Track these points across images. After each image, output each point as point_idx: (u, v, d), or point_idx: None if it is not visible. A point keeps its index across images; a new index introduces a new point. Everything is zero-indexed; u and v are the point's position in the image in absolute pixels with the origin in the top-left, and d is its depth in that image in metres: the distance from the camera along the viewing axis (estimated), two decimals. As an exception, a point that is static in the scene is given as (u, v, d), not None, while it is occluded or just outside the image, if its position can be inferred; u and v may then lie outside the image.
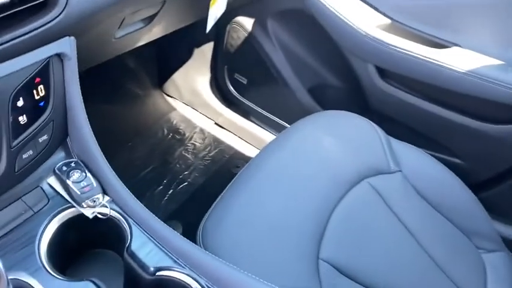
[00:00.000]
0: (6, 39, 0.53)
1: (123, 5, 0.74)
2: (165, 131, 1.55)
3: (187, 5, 1.06)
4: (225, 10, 1.01)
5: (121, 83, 1.52)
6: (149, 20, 0.99)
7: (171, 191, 1.34)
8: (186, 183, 1.37)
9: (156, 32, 1.08)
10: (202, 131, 1.55)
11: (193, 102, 1.58)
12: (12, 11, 0.53)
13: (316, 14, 1.04)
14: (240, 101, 1.44)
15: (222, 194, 0.81)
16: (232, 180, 0.84)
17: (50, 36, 0.60)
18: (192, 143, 1.51)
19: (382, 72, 1.06)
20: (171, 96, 1.63)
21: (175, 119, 1.59)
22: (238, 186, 0.81)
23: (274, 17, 1.17)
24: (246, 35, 1.23)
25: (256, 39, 1.22)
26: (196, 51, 1.46)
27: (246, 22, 1.22)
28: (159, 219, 0.59)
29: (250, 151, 1.48)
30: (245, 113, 1.47)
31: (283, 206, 0.79)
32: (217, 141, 1.52)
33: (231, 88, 1.44)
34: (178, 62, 1.52)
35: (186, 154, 1.48)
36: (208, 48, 1.43)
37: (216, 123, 1.55)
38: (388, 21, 1.01)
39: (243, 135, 1.49)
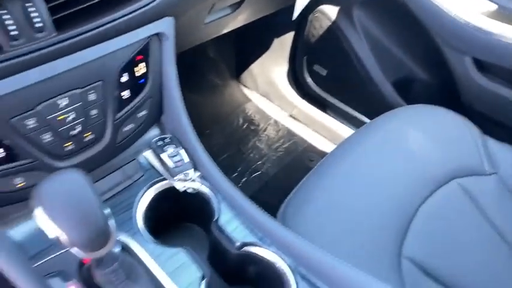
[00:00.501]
0: (114, 17, 0.57)
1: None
2: (240, 121, 1.58)
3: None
4: (312, -2, 1.00)
5: (202, 72, 1.57)
6: (237, 6, 1.01)
7: (245, 179, 1.36)
8: (259, 172, 1.38)
9: (241, 18, 1.10)
10: (276, 122, 1.55)
11: (269, 94, 1.59)
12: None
13: (408, 0, 0.98)
14: (317, 94, 1.41)
15: (301, 182, 0.80)
16: (313, 170, 0.82)
17: (150, 17, 0.63)
18: (266, 134, 1.52)
19: (481, 65, 0.97)
20: (247, 87, 1.65)
21: (250, 110, 1.61)
22: (320, 176, 0.79)
23: (360, 5, 1.13)
24: (330, 24, 1.20)
25: (340, 29, 1.18)
26: (275, 42, 1.46)
27: (330, 11, 1.19)
28: (246, 197, 0.60)
29: (324, 145, 1.45)
30: (322, 105, 1.44)
31: (366, 200, 0.76)
32: (291, 134, 1.51)
33: (309, 80, 1.42)
34: (255, 53, 1.54)
35: (260, 144, 1.49)
36: (287, 38, 1.42)
37: (290, 115, 1.55)
38: (494, 6, 0.91)
39: (318, 128, 1.46)
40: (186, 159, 0.65)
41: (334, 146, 0.88)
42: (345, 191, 0.76)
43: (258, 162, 1.43)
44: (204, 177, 0.64)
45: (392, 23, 1.11)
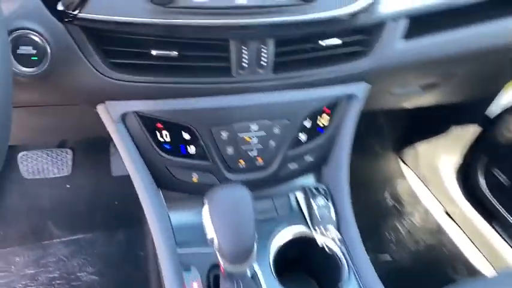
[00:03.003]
0: (321, 72, 0.63)
1: (424, 69, 0.77)
2: (387, 195, 1.49)
3: (476, 82, 1.00)
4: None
5: (364, 134, 1.57)
6: (430, 87, 0.99)
7: (373, 255, 1.28)
8: (389, 256, 1.28)
9: (430, 99, 1.07)
10: (427, 213, 1.42)
11: (428, 179, 1.47)
12: (338, 52, 0.63)
13: None
14: (488, 200, 1.24)
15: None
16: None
17: (351, 78, 0.68)
18: (411, 221, 1.40)
19: None
20: (406, 164, 1.57)
21: (402, 188, 1.51)
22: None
23: None
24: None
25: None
26: (453, 127, 1.35)
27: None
28: (378, 279, 0.57)
29: (479, 262, 1.23)
30: (489, 215, 1.26)
31: None
32: (440, 232, 1.35)
33: (482, 182, 1.26)
34: (425, 132, 1.44)
35: (400, 228, 1.38)
36: (468, 128, 1.30)
37: (446, 212, 1.39)
38: None
39: (476, 239, 1.27)
40: (333, 216, 0.66)
41: (492, 269, 0.76)
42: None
43: (392, 245, 1.33)
44: (344, 240, 0.64)
45: None
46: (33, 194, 1.28)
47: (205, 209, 0.47)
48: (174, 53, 0.55)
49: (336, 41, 0.62)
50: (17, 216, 1.25)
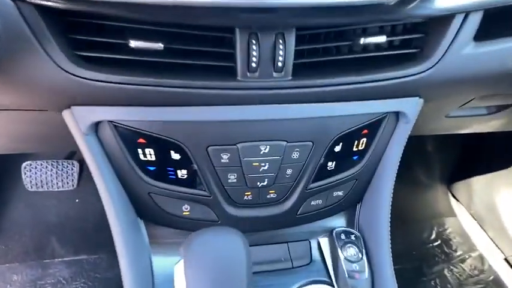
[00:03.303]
0: (354, 80, 0.46)
1: (495, 84, 0.59)
2: (433, 235, 1.29)
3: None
4: None
5: (410, 162, 1.38)
6: (496, 109, 0.80)
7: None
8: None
9: (493, 124, 0.88)
10: (482, 259, 1.20)
11: (484, 220, 1.25)
12: (384, 53, 0.47)
13: None
14: None
15: None
16: None
17: (397, 91, 0.51)
18: (462, 267, 1.18)
19: None
20: (458, 200, 1.36)
21: (451, 228, 1.30)
22: None
23: None
24: None
25: None
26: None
27: None
28: None
29: None
30: None
31: None
32: (498, 284, 1.13)
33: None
34: (482, 166, 1.26)
35: (448, 275, 1.17)
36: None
37: (506, 259, 1.16)
38: None
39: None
40: (366, 274, 0.48)
41: None
42: None
43: (438, 295, 1.12)
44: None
45: None
46: (38, 206, 1.23)
47: (180, 265, 0.32)
48: (159, 46, 0.41)
49: (380, 38, 0.46)
50: (20, 230, 1.22)
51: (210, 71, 0.44)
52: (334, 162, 0.52)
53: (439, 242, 1.27)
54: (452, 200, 1.38)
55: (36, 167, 1.12)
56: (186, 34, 0.42)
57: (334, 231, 0.54)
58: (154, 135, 0.47)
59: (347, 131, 0.51)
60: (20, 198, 1.21)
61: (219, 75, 0.44)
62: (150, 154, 0.48)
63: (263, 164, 0.49)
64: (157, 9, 0.39)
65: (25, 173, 1.12)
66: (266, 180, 0.50)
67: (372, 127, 0.52)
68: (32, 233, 1.18)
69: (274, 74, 0.44)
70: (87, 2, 0.38)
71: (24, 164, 1.11)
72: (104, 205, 0.49)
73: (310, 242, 0.56)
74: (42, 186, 1.13)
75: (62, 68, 0.41)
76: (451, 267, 1.19)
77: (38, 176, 1.13)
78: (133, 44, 0.41)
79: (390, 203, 0.54)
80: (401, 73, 0.48)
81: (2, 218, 1.20)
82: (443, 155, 1.40)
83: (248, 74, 0.44)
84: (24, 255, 1.15)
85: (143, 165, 0.49)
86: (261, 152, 0.48)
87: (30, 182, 1.12)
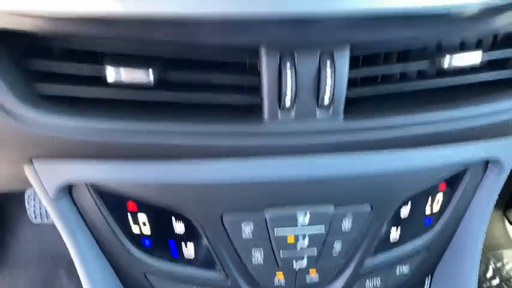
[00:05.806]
0: (430, 118, 0.32)
1: None
2: (490, 271, 1.14)
3: None
4: None
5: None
6: None
7: None
8: None
9: None
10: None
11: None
12: (475, 79, 0.33)
13: None
14: None
15: None
16: None
17: (489, 129, 0.35)
18: (530, 314, 1.01)
19: None
20: (517, 228, 1.20)
21: (510, 260, 1.15)
22: None
23: None
24: None
25: None
26: None
27: None
28: None
29: None
30: None
31: None
32: None
33: None
34: None
35: (513, 323, 0.99)
36: None
37: None
38: None
39: None
40: None
41: None
42: None
43: None
44: None
45: None
46: (45, 237, 1.16)
47: None
48: (149, 79, 0.28)
49: (473, 57, 0.31)
50: (27, 262, 1.16)
51: (224, 111, 0.30)
52: (398, 231, 0.37)
53: (496, 278, 1.11)
54: (509, 228, 1.22)
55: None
56: (187, 60, 0.29)
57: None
58: (148, 201, 0.33)
59: (420, 187, 0.36)
60: (26, 227, 1.14)
61: (237, 117, 0.30)
62: (144, 223, 0.35)
63: (301, 238, 0.35)
64: (148, 26, 0.25)
65: (29, 203, 1.04)
66: (305, 259, 0.36)
67: (453, 180, 0.38)
68: (40, 265, 1.13)
69: (318, 114, 0.30)
70: (50, 19, 0.25)
71: (26, 195, 1.03)
72: None
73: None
74: (47, 218, 1.05)
75: (9, 114, 0.28)
76: (515, 312, 1.03)
77: (43, 206, 1.05)
78: (111, 76, 0.28)
79: (477, 279, 0.39)
80: (499, 104, 0.34)
81: (7, 248, 1.14)
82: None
83: (279, 113, 0.30)
84: (32, 288, 1.10)
85: (136, 238, 0.36)
86: (299, 221, 0.34)
87: (34, 212, 1.04)
